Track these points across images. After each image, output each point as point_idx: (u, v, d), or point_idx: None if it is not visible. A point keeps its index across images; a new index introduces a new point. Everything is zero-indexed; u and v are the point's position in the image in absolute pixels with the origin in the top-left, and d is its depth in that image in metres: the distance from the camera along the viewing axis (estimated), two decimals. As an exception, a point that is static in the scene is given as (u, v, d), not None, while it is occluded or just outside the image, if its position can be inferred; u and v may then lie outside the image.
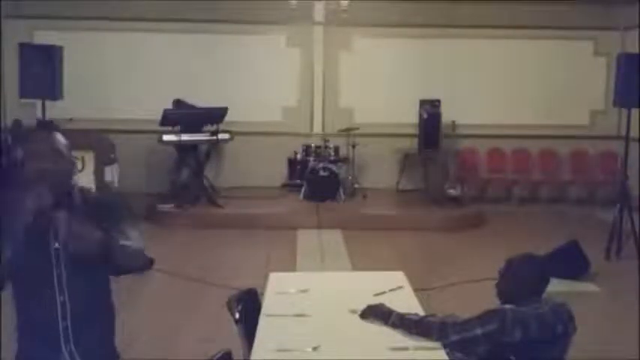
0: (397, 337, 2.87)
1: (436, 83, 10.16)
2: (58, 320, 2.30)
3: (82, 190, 2.40)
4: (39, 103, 7.73)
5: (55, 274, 2.29)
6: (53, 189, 2.21)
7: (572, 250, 6.54)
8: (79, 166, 7.69)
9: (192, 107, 9.36)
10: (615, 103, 7.58)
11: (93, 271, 2.32)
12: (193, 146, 9.29)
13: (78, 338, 2.32)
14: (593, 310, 5.50)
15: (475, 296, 5.42)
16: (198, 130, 9.14)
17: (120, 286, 2.68)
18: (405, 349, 2.77)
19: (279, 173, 10.26)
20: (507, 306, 2.83)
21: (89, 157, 8.10)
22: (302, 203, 9.33)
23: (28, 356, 2.40)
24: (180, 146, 9.11)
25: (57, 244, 2.27)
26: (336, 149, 9.94)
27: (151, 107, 8.96)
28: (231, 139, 9.36)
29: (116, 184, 8.98)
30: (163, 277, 6.32)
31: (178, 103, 9.33)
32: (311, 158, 9.77)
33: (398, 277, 3.71)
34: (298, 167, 9.99)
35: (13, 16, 9.99)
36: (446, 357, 2.71)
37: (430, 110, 9.86)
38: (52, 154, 2.27)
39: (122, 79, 10.13)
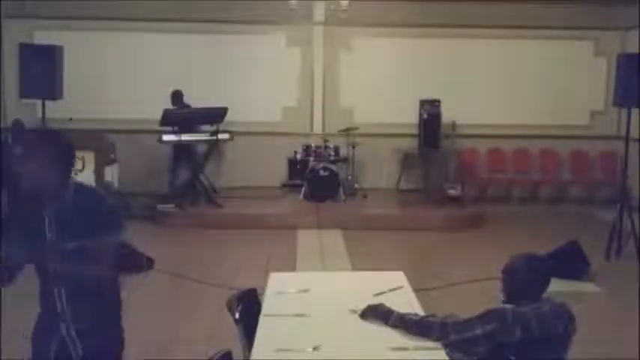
0: (397, 337, 2.88)
1: (436, 83, 10.15)
2: (57, 305, 2.57)
3: (81, 185, 2.64)
4: (39, 103, 7.73)
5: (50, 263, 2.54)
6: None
7: (572, 250, 6.54)
8: (79, 166, 7.69)
9: (188, 106, 9.36)
10: (615, 103, 7.57)
11: (81, 262, 2.51)
12: (193, 146, 9.29)
13: (74, 321, 2.57)
14: (593, 310, 5.50)
15: (475, 296, 5.44)
16: (198, 130, 9.14)
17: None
18: (405, 349, 2.77)
19: (279, 173, 10.26)
20: (507, 306, 2.83)
21: (89, 157, 8.09)
22: (302, 203, 9.32)
23: (36, 334, 2.69)
24: (180, 146, 9.11)
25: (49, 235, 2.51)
26: (336, 149, 9.95)
27: (151, 107, 8.95)
28: (231, 139, 9.36)
29: (116, 184, 8.98)
30: (163, 277, 6.33)
31: (176, 94, 9.31)
32: (311, 158, 9.77)
33: (398, 277, 3.71)
34: (298, 167, 9.99)
35: (13, 16, 9.99)
36: (446, 357, 2.71)
37: (430, 110, 9.86)
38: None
39: (122, 79, 10.12)
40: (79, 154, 7.63)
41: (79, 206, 2.53)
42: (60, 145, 2.54)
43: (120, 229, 2.61)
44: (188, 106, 9.36)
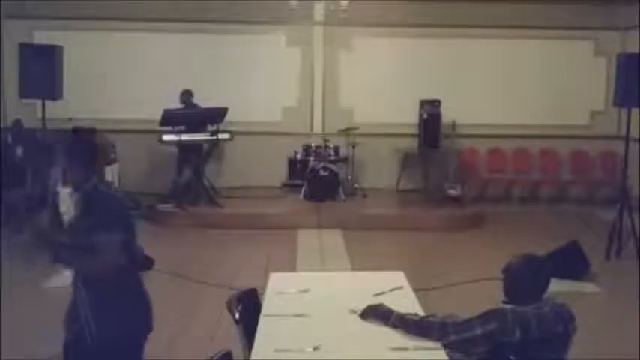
0: (397, 337, 2.88)
1: (436, 83, 10.15)
2: (77, 293, 2.88)
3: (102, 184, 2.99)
4: (39, 103, 7.73)
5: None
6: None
7: (572, 250, 6.54)
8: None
9: (196, 105, 9.35)
10: (615, 103, 7.57)
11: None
12: (193, 146, 9.28)
13: (92, 309, 2.83)
14: (593, 310, 5.50)
15: (475, 296, 5.43)
16: (199, 130, 9.13)
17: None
18: (405, 349, 2.77)
19: (279, 173, 10.25)
20: (507, 306, 2.83)
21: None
22: (302, 203, 9.32)
23: (65, 319, 3.00)
24: (180, 146, 9.10)
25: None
26: (336, 149, 9.94)
27: (151, 107, 8.94)
28: (231, 139, 9.35)
29: (116, 184, 8.98)
30: (163, 277, 6.32)
31: (186, 93, 9.29)
32: (311, 158, 9.77)
33: (398, 277, 3.71)
34: (298, 167, 9.98)
35: (13, 16, 9.99)
36: (446, 357, 2.71)
37: (430, 110, 9.86)
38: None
39: (122, 79, 10.12)
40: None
41: (94, 202, 2.83)
42: (87, 142, 3.00)
43: (131, 226, 2.94)
44: (196, 106, 9.34)
